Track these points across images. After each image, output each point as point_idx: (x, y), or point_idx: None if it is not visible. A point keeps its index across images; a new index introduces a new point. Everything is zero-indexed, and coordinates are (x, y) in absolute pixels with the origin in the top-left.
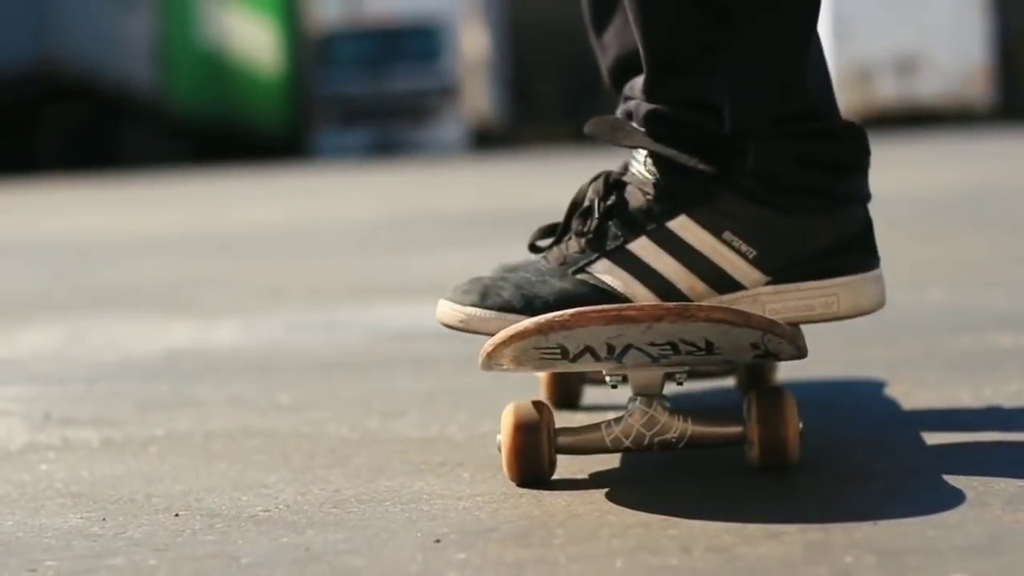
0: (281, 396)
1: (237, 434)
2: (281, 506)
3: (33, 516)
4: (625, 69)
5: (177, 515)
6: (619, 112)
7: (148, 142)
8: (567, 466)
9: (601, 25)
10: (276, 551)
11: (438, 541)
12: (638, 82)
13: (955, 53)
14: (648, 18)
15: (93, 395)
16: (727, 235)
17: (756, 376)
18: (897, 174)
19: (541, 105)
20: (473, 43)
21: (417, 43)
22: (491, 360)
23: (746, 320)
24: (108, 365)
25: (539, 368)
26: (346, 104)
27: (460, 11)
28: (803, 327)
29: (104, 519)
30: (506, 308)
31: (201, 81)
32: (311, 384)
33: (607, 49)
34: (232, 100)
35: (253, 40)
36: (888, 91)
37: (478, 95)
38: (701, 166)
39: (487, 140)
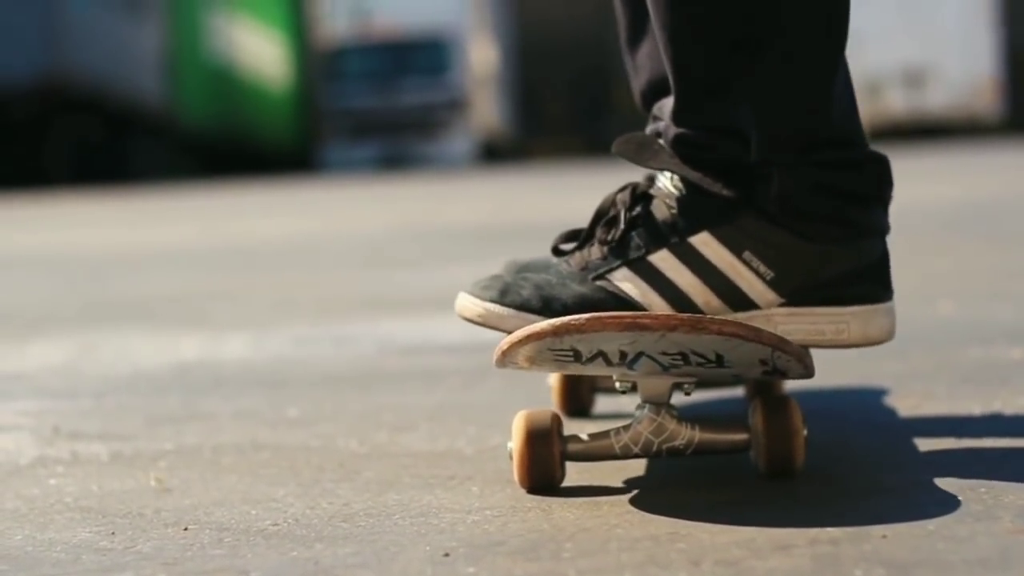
0: (290, 410)
1: (246, 448)
2: (290, 520)
3: (42, 530)
4: (657, 91)
5: (186, 529)
6: (648, 131)
7: (157, 156)
8: (577, 476)
9: (635, 46)
10: (285, 565)
11: (447, 555)
12: (667, 104)
13: (964, 65)
14: (677, 45)
15: (102, 409)
16: (747, 255)
17: (764, 386)
18: (906, 186)
19: (550, 118)
20: (482, 56)
21: (426, 57)
22: (506, 358)
23: (756, 336)
24: (117, 379)
25: (552, 369)
26: (355, 118)
27: (469, 24)
28: None
29: (113, 533)
30: (524, 307)
31: (210, 95)
32: (320, 398)
33: (640, 70)
34: (241, 114)
35: (262, 54)
36: (897, 103)
37: (487, 108)
38: (725, 192)
39: (496, 154)
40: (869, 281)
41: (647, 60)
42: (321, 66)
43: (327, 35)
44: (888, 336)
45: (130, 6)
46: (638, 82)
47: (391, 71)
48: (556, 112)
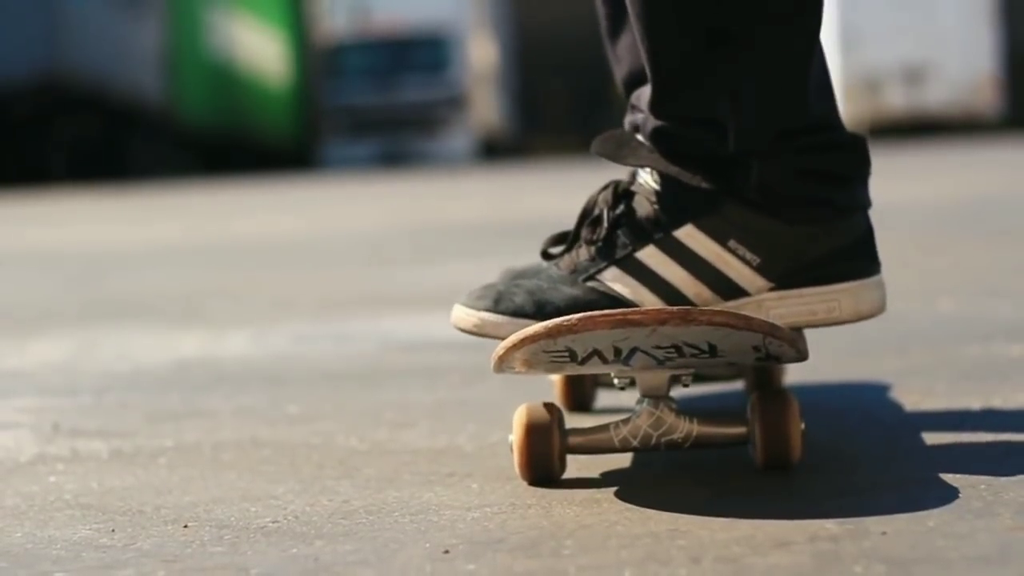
0: (290, 407)
1: (246, 445)
2: (290, 517)
3: (42, 528)
4: (637, 81)
5: (186, 526)
6: (626, 122)
7: (157, 153)
8: (576, 471)
9: (616, 37)
10: (285, 562)
11: (447, 552)
12: (645, 92)
13: (963, 63)
14: (653, 37)
15: (102, 406)
16: (732, 243)
17: (763, 379)
18: (905, 183)
19: (549, 115)
20: (481, 53)
21: (425, 54)
22: (503, 363)
23: (747, 324)
24: (117, 376)
25: (549, 370)
26: (354, 115)
27: (468, 21)
28: (813, 334)
29: (113, 530)
30: (518, 313)
31: (210, 92)
32: (320, 395)
33: (621, 61)
34: (241, 111)
35: (261, 51)
36: (896, 100)
37: (486, 106)
38: (704, 184)
39: (496, 150)
40: (856, 257)
41: (627, 52)
42: (321, 63)
43: (327, 32)
44: (879, 309)
45: (130, 3)
46: (619, 72)
47: (391, 68)
48: (555, 109)
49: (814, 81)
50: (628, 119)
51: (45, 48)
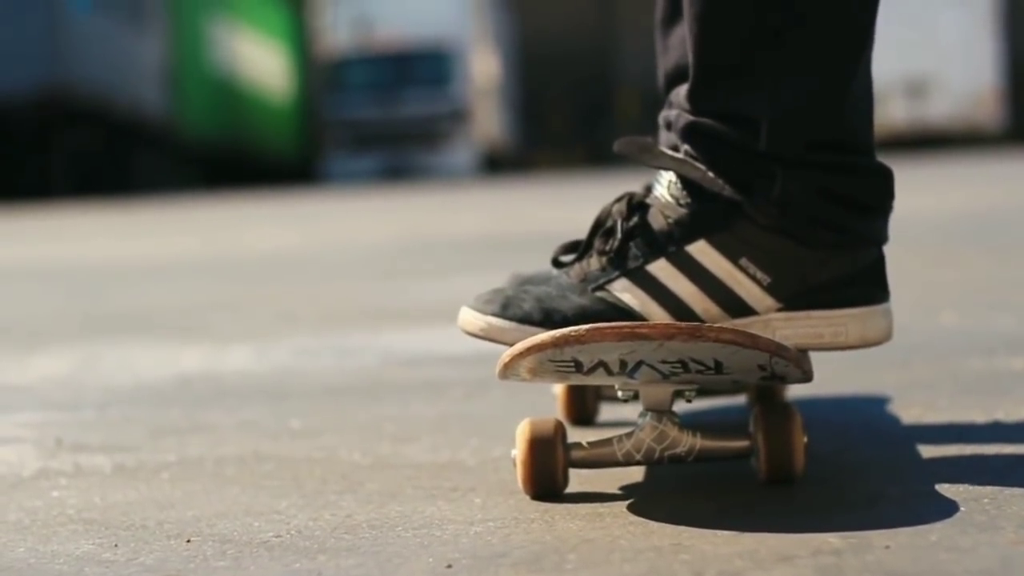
0: (293, 421)
1: (249, 459)
2: (293, 531)
3: (45, 543)
4: (681, 76)
5: (189, 541)
6: (660, 118)
7: (159, 167)
8: (579, 485)
9: (669, 26)
10: None
11: (450, 566)
12: (683, 89)
13: (966, 76)
14: (703, 24)
15: (105, 421)
16: (743, 261)
17: (765, 393)
18: (908, 197)
19: (551, 129)
20: (484, 67)
21: (428, 68)
22: (508, 370)
23: (754, 342)
24: (120, 391)
25: (554, 380)
26: (357, 129)
27: (470, 35)
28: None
29: (116, 545)
30: (526, 320)
31: (212, 106)
32: (323, 409)
33: (669, 52)
34: (243, 125)
35: (264, 65)
36: (898, 113)
37: (489, 119)
38: (726, 191)
39: (498, 164)
40: (866, 283)
41: (678, 43)
42: (323, 77)
43: (329, 46)
44: (886, 337)
45: (132, 18)
46: (665, 63)
47: (393, 82)
48: (558, 122)
49: (856, 102)
50: (662, 114)
51: (48, 62)
